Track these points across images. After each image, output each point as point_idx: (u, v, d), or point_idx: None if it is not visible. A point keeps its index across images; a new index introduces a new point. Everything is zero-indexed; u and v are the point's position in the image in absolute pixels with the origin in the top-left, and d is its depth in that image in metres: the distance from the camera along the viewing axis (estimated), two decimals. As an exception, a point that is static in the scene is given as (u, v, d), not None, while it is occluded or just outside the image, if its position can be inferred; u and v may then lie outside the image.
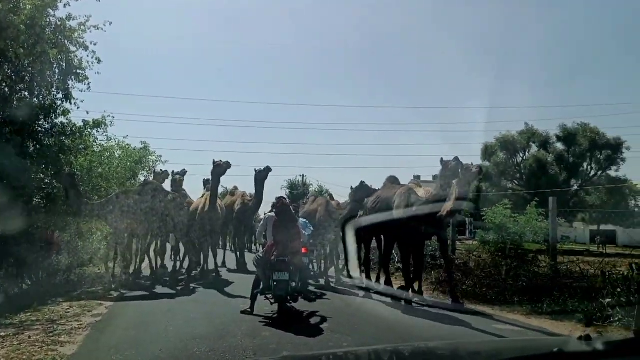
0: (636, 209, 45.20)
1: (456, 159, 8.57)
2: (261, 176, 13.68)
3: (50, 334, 6.42)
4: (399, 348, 2.68)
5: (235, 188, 16.75)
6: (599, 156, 37.35)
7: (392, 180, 10.52)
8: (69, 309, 8.12)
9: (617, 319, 7.23)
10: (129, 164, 16.41)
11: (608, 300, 7.57)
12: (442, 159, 8.75)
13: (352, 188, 12.37)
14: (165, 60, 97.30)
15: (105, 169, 14.12)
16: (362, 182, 11.32)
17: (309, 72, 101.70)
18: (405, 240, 9.63)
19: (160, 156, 19.24)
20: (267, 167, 13.66)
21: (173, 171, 13.78)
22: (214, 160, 11.63)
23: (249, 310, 7.77)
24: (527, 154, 39.10)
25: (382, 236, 10.79)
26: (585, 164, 38.24)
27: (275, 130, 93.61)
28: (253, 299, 7.90)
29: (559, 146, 38.67)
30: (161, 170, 12.34)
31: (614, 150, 36.88)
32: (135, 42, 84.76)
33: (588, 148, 36.88)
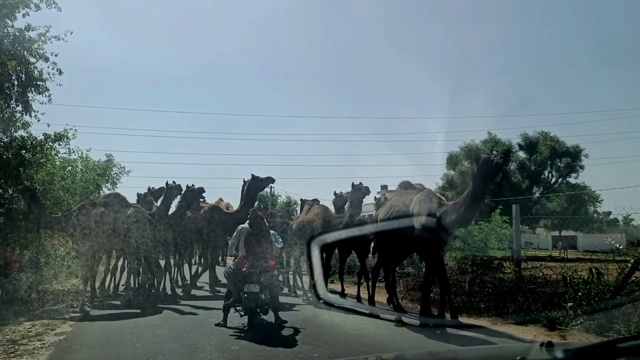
0: (594, 215, 46.57)
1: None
2: (256, 186, 12.96)
3: (12, 355, 6.22)
4: (368, 359, 2.71)
5: (220, 200, 15.91)
6: (559, 164, 38.41)
7: (406, 186, 9.09)
8: (31, 328, 7.86)
9: (578, 322, 7.42)
10: (92, 176, 16.10)
11: (570, 304, 7.78)
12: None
13: (335, 194, 11.89)
14: (130, 72, 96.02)
15: (67, 183, 13.81)
16: (357, 184, 10.10)
17: (276, 83, 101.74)
18: (427, 252, 8.19)
19: (124, 168, 18.93)
20: (270, 177, 12.98)
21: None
22: (187, 185, 11.58)
23: (222, 322, 7.75)
24: (490, 162, 39.81)
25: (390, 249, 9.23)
26: (546, 172, 39.25)
27: (241, 142, 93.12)
28: (225, 311, 7.90)
29: (521, 154, 39.59)
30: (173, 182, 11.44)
31: (573, 158, 37.99)
32: (100, 53, 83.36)
33: (549, 156, 37.88)
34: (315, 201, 12.31)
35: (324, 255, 10.62)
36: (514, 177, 37.92)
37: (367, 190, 10.06)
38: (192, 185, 11.70)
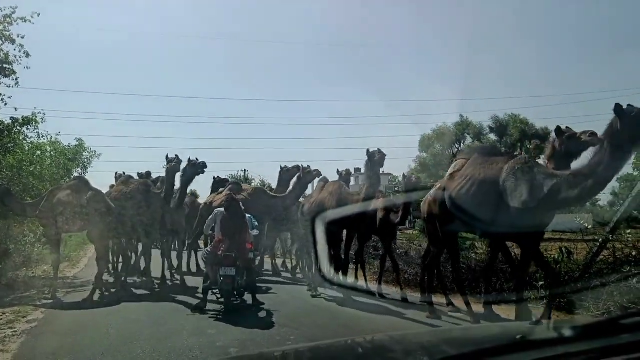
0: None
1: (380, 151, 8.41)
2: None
3: (-18, 343, 6.11)
4: (347, 341, 2.68)
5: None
6: (528, 146, 39.03)
7: (487, 152, 7.52)
8: (1, 315, 7.72)
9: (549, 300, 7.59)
10: (62, 161, 15.77)
11: (541, 283, 7.95)
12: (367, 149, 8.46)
13: (281, 168, 12.15)
14: (101, 55, 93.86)
15: (36, 168, 13.49)
16: (372, 151, 8.55)
17: (250, 66, 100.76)
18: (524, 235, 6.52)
19: (95, 152, 18.63)
20: (203, 162, 10.92)
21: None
22: (189, 159, 10.47)
23: (202, 305, 7.81)
24: (462, 144, 40.37)
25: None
26: (516, 154, 39.86)
27: (214, 126, 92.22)
28: (204, 294, 7.96)
29: (492, 137, 40.12)
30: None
31: (542, 139, 38.62)
32: (70, 35, 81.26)
33: (518, 138, 38.47)
34: (347, 173, 10.91)
35: (338, 240, 9.63)
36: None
37: (383, 158, 8.46)
38: (196, 159, 10.55)
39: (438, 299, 8.33)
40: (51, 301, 8.87)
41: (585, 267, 8.04)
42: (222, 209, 8.23)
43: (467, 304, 7.39)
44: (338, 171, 10.79)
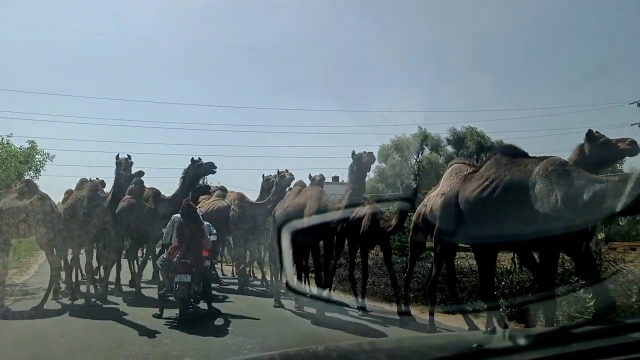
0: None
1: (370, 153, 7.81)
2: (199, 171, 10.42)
3: None
4: (301, 351, 2.68)
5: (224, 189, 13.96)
6: (484, 158, 40.03)
7: (512, 151, 6.21)
8: (-55, 323, 7.44)
9: (500, 310, 7.79)
10: (13, 164, 15.29)
11: (495, 292, 8.14)
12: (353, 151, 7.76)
13: (263, 177, 11.42)
14: (55, 55, 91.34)
15: (-15, 170, 13.07)
16: (359, 153, 7.78)
17: (208, 72, 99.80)
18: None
19: (49, 154, 18.10)
20: (211, 163, 10.28)
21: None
22: (192, 158, 9.97)
23: (159, 313, 7.69)
24: (420, 155, 41.06)
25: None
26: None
27: (173, 131, 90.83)
28: (161, 301, 7.87)
29: (449, 148, 40.98)
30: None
31: (496, 152, 39.79)
32: (23, 34, 78.74)
33: (475, 150, 39.41)
34: (320, 178, 10.08)
35: (314, 250, 8.99)
36: (441, 170, 39.27)
37: (371, 161, 7.84)
38: (199, 159, 9.90)
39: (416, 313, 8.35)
40: (-1, 309, 8.57)
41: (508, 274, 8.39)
42: (178, 215, 8.16)
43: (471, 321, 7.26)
44: (310, 176, 10.06)
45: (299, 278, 9.27)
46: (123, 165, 8.88)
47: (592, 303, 6.45)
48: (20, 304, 9.12)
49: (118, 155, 9.07)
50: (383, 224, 8.21)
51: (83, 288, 10.03)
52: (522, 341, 1.63)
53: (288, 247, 8.13)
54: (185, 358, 5.62)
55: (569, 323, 6.30)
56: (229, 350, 6.00)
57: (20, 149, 16.73)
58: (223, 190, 12.75)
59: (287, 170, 10.59)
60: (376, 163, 40.15)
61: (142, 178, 10.46)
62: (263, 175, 12.22)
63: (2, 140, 15.36)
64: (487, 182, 5.90)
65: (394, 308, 8.41)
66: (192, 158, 10.06)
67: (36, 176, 16.90)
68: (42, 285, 10.18)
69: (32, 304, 8.57)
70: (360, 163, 7.68)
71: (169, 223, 8.35)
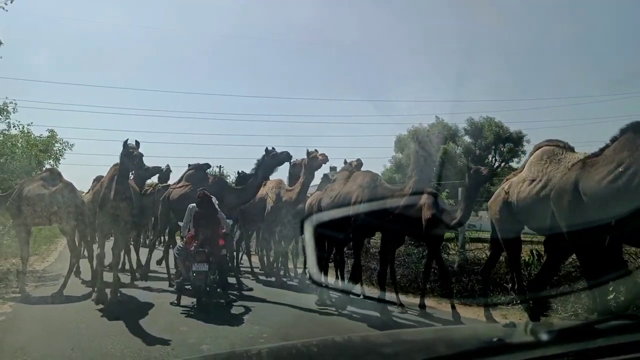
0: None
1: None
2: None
3: (-52, 337, 6.00)
4: (322, 340, 2.67)
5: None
6: (502, 149, 39.64)
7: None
8: (-32, 309, 7.59)
9: (518, 302, 7.74)
10: (33, 152, 15.48)
11: (510, 285, 8.08)
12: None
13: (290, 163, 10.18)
14: (75, 45, 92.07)
15: (7, 159, 13.21)
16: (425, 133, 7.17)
17: (235, 62, 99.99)
18: None
19: (68, 143, 18.28)
20: (286, 152, 9.88)
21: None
22: (266, 148, 9.49)
23: (176, 301, 7.83)
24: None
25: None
26: (490, 156, 40.46)
27: (191, 120, 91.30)
28: (178, 290, 7.94)
29: (467, 139, 40.62)
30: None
31: (515, 143, 39.29)
32: (43, 24, 79.51)
33: (493, 141, 39.04)
34: (357, 164, 9.03)
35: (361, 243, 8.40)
36: (459, 161, 38.97)
37: (440, 140, 7.47)
38: (272, 148, 9.61)
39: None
40: (19, 295, 8.71)
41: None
42: (194, 205, 8.19)
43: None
44: (346, 162, 9.28)
45: (340, 272, 8.97)
46: (130, 150, 7.77)
47: (612, 296, 6.36)
48: (40, 290, 9.28)
49: (127, 140, 7.91)
50: (446, 216, 7.26)
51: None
52: (543, 335, 1.60)
53: (333, 240, 8.04)
54: (204, 345, 5.66)
55: (591, 317, 6.21)
56: (246, 338, 6.04)
57: (40, 137, 16.93)
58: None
59: (316, 151, 9.64)
60: (392, 153, 40.12)
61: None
62: (290, 160, 11.04)
63: (22, 129, 15.53)
64: (621, 168, 5.05)
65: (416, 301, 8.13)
66: (266, 148, 9.56)
67: (56, 165, 17.12)
68: (61, 272, 10.33)
69: (52, 291, 8.70)
70: (426, 144, 7.14)
71: (186, 213, 8.39)
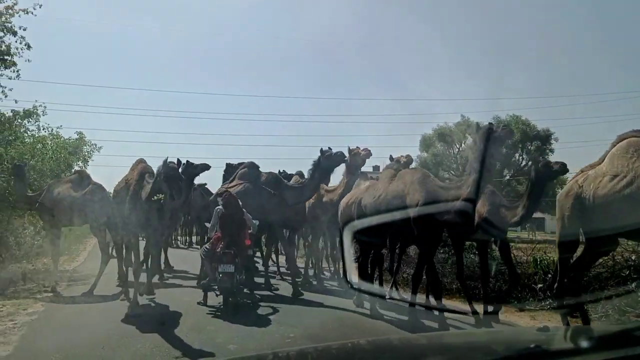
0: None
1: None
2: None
3: (-17, 335, 6.15)
4: (348, 343, 2.64)
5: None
6: (529, 147, 39.02)
7: None
8: (1, 307, 7.74)
9: (547, 303, 7.61)
10: (63, 155, 15.79)
11: (540, 285, 7.95)
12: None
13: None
14: (102, 48, 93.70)
15: (37, 161, 13.49)
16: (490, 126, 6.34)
17: (257, 62, 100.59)
18: None
19: (96, 145, 18.62)
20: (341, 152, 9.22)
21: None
22: (321, 149, 9.04)
23: (202, 301, 7.90)
24: (462, 145, 40.35)
25: None
26: (516, 155, 39.87)
27: (216, 121, 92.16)
28: (205, 290, 8.00)
29: (492, 137, 40.07)
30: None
31: (543, 141, 38.64)
32: (71, 28, 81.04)
33: (520, 139, 38.44)
34: (406, 161, 8.56)
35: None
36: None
37: (509, 135, 6.42)
38: (329, 148, 9.11)
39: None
40: (51, 294, 8.89)
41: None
42: (221, 207, 8.25)
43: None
44: (392, 158, 8.73)
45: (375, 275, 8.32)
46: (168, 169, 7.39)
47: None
48: (71, 290, 9.45)
49: (167, 159, 7.53)
50: (504, 214, 6.77)
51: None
52: (582, 342, 1.55)
53: (374, 243, 7.56)
54: (230, 345, 5.69)
55: (631, 323, 5.97)
56: (272, 338, 6.05)
57: (69, 140, 17.26)
58: (301, 176, 11.10)
59: (358, 147, 9.32)
60: (417, 152, 39.89)
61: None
62: (321, 148, 10.57)
63: (52, 131, 15.86)
64: None
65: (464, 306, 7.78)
66: (321, 149, 9.06)
67: (84, 166, 17.43)
68: (91, 272, 10.51)
69: (83, 290, 8.86)
70: (494, 137, 6.04)
71: (213, 215, 8.43)
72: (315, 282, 10.46)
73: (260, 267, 11.42)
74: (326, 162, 8.98)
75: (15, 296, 8.67)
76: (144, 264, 9.40)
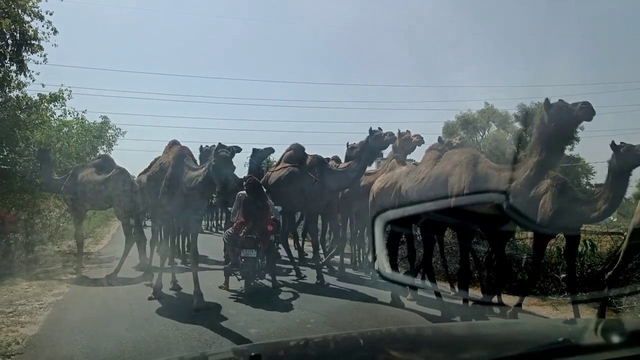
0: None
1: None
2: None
3: (10, 315, 6.29)
4: (367, 332, 2.61)
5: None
6: (555, 135, 38.44)
7: None
8: (28, 288, 7.92)
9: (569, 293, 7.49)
10: (88, 138, 16.00)
11: (563, 275, 7.82)
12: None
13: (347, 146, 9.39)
14: (127, 32, 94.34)
15: (63, 144, 13.69)
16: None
17: (281, 47, 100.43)
18: None
19: (120, 129, 18.83)
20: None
21: None
22: (370, 128, 8.21)
23: (224, 286, 7.94)
24: (486, 132, 39.92)
25: None
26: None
27: (239, 107, 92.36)
28: (226, 274, 8.05)
29: (517, 125, 39.56)
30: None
31: (568, 130, 38.04)
32: (97, 12, 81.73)
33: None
34: (459, 143, 7.90)
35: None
36: (509, 149, 38.06)
37: (589, 113, 5.21)
38: (379, 128, 8.24)
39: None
40: (76, 276, 9.05)
41: (609, 261, 7.89)
42: (244, 192, 8.27)
43: None
44: (440, 139, 8.05)
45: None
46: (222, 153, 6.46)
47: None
48: (95, 272, 9.61)
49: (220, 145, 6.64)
50: (582, 208, 6.01)
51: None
52: (613, 336, 1.49)
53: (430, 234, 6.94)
54: (251, 329, 5.72)
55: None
56: (293, 323, 6.09)
57: (94, 124, 17.46)
58: (337, 161, 10.51)
59: (408, 132, 8.68)
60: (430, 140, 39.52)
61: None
62: (347, 143, 10.49)
63: (77, 115, 16.04)
64: None
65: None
66: (370, 128, 8.26)
67: (109, 150, 17.66)
68: (115, 254, 10.68)
69: (106, 272, 9.00)
70: (571, 113, 5.21)
71: (236, 200, 8.45)
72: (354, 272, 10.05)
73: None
74: (374, 143, 8.22)
75: (42, 277, 8.82)
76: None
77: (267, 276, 8.49)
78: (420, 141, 8.60)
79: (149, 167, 8.94)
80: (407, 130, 8.74)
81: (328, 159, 9.66)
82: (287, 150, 9.56)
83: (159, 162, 7.73)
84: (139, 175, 11.09)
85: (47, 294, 7.61)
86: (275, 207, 8.77)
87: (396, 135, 8.52)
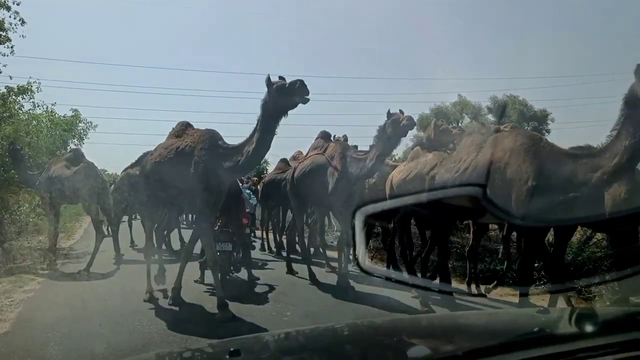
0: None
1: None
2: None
3: (-21, 312, 6.16)
4: (347, 323, 2.62)
5: (299, 152, 10.74)
6: (526, 127, 39.05)
7: None
8: (-2, 285, 7.77)
9: (541, 283, 7.62)
10: (58, 132, 15.66)
11: (536, 265, 7.94)
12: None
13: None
14: (97, 24, 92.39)
15: (32, 138, 13.38)
16: None
17: (251, 37, 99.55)
18: None
19: (92, 123, 18.45)
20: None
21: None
22: (388, 111, 6.73)
23: (200, 280, 7.87)
24: (460, 124, 40.34)
25: None
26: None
27: (213, 100, 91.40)
28: (202, 268, 7.97)
29: (490, 117, 40.06)
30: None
31: (540, 121, 38.72)
32: (65, 2, 79.81)
33: (516, 119, 38.44)
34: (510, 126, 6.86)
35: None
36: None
37: None
38: (400, 110, 6.86)
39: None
40: (47, 272, 8.90)
41: (578, 250, 8.06)
42: None
43: None
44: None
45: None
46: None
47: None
48: (67, 268, 9.46)
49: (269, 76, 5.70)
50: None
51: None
52: (586, 326, 1.50)
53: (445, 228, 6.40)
54: (229, 322, 5.70)
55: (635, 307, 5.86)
56: (270, 316, 6.10)
57: (64, 117, 17.10)
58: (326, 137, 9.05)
59: (401, 112, 6.88)
60: (414, 132, 39.76)
61: None
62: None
63: (46, 108, 15.68)
64: None
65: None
66: (389, 110, 6.91)
67: (80, 144, 17.31)
68: (87, 249, 10.51)
69: (79, 268, 8.86)
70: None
71: None
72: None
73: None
74: (392, 126, 6.76)
75: (12, 273, 8.65)
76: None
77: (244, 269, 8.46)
78: (413, 124, 6.96)
79: (136, 161, 8.92)
80: (400, 110, 7.10)
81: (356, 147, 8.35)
82: (316, 138, 8.65)
83: (166, 147, 6.58)
84: (125, 170, 11.01)
85: (18, 290, 7.47)
86: (251, 201, 8.74)
87: (386, 117, 7.01)
